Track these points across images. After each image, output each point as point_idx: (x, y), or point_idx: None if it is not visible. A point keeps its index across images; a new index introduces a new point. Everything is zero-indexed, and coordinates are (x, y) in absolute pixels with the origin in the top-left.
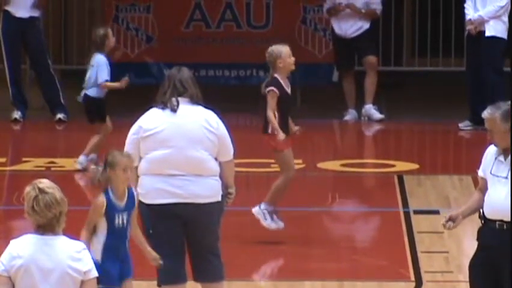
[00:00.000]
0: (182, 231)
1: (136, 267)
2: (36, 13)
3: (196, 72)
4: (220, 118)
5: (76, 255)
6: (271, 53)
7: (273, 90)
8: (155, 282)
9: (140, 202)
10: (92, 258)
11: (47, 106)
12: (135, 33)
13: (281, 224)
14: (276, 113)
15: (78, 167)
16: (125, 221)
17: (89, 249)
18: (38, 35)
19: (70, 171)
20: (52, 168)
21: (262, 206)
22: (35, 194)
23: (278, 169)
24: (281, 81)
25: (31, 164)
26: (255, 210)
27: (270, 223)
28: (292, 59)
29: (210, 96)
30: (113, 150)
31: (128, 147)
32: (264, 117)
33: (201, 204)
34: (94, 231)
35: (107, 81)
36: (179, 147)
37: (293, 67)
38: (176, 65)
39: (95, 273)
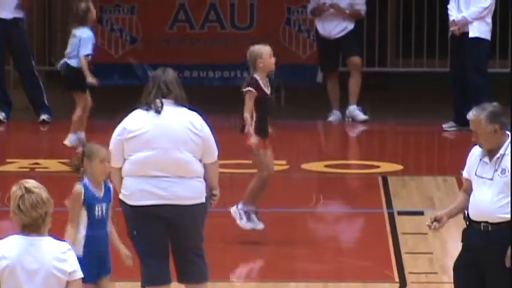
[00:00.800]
0: (166, 232)
1: (120, 269)
2: (20, 14)
3: (180, 74)
4: (205, 119)
5: (61, 256)
6: (251, 52)
7: (250, 90)
8: (139, 284)
9: (124, 203)
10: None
11: (31, 107)
12: (119, 34)
13: (260, 225)
14: (254, 114)
15: (67, 144)
16: (104, 212)
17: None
18: (21, 36)
19: (54, 172)
20: (36, 169)
21: (239, 206)
22: (21, 193)
23: None
24: (260, 81)
25: (15, 165)
26: (232, 209)
27: (245, 223)
28: (273, 59)
29: (194, 98)
30: (91, 143)
31: (112, 148)
32: (242, 117)
33: (185, 206)
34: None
35: (88, 55)
36: (164, 148)
37: (273, 67)
38: (161, 66)
39: (80, 274)
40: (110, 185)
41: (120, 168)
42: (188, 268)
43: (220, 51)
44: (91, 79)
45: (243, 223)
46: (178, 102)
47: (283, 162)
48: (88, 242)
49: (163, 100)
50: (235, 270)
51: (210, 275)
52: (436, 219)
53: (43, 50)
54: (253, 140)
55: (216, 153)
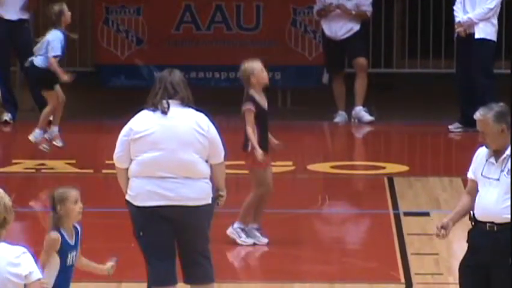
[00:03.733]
0: (172, 233)
1: (127, 270)
2: (25, 15)
3: (186, 74)
4: (211, 120)
5: (15, 260)
6: (244, 70)
7: (249, 108)
8: (145, 285)
9: (130, 204)
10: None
11: (37, 108)
12: (125, 35)
13: (264, 240)
14: (254, 130)
15: (31, 140)
16: (74, 260)
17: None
18: (27, 37)
19: (60, 173)
20: (42, 170)
21: (235, 225)
22: None
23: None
24: (256, 97)
25: (21, 165)
26: (228, 230)
27: (245, 239)
28: (265, 73)
29: (201, 98)
30: (56, 189)
31: (118, 149)
32: (244, 135)
33: (191, 207)
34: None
35: (57, 56)
36: (170, 149)
37: (267, 81)
38: (167, 67)
39: (37, 275)
40: (78, 228)
41: (126, 169)
42: (194, 269)
43: (226, 52)
44: (65, 77)
45: (243, 239)
46: (185, 103)
47: (290, 163)
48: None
49: (170, 101)
50: (241, 271)
51: (216, 276)
52: (443, 227)
53: None
54: (260, 155)
55: (223, 154)
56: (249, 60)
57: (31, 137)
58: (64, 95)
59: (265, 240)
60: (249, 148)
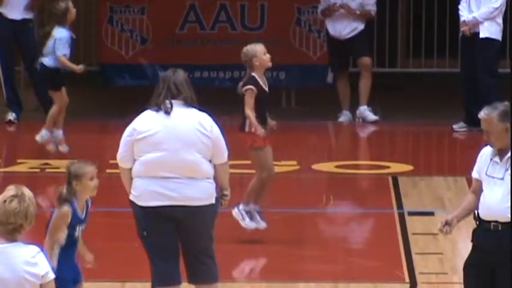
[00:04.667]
0: (176, 233)
1: (131, 269)
2: (29, 15)
3: (190, 74)
4: (215, 120)
5: (32, 260)
6: (246, 53)
7: (251, 88)
8: (149, 284)
9: (134, 204)
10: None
11: (41, 107)
12: (129, 35)
13: (263, 224)
14: (253, 111)
15: (38, 140)
16: (81, 233)
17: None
18: (31, 37)
19: (65, 172)
20: (47, 170)
21: (240, 206)
22: (14, 194)
23: None
24: (258, 79)
25: (26, 165)
26: (234, 211)
27: (248, 223)
28: (268, 56)
29: (205, 98)
30: (73, 161)
31: (122, 149)
32: (242, 116)
33: (194, 207)
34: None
35: (65, 55)
36: (173, 149)
37: (270, 64)
38: (171, 66)
39: (52, 275)
40: (89, 202)
41: (130, 169)
42: (198, 269)
43: (230, 51)
44: (77, 68)
45: (246, 223)
46: (188, 103)
47: (294, 162)
48: (63, 258)
49: (173, 101)
50: (245, 270)
51: (220, 276)
52: (447, 223)
53: None
54: (260, 131)
55: (226, 153)
56: (252, 44)
57: (38, 138)
58: (67, 98)
59: (264, 225)
60: (247, 128)
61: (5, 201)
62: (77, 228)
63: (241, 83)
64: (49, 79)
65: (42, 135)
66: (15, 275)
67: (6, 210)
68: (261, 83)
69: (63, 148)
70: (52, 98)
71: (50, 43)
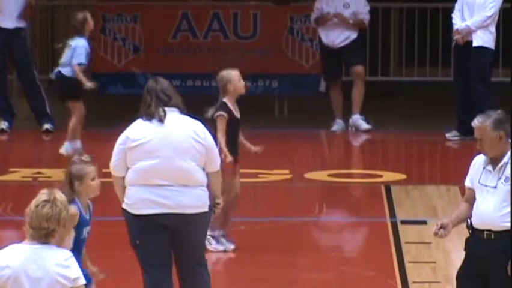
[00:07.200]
0: (169, 242)
1: (123, 278)
2: (22, 24)
3: (183, 83)
4: (207, 128)
5: (65, 262)
6: (221, 77)
7: (222, 114)
8: None
9: (127, 212)
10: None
11: (34, 116)
12: (122, 43)
13: (231, 246)
14: (224, 137)
15: (63, 153)
16: (87, 234)
17: None
18: (23, 46)
19: (57, 181)
20: (39, 179)
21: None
22: (47, 199)
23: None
24: (230, 106)
25: (18, 174)
26: None
27: (215, 246)
28: (242, 82)
29: (197, 107)
30: (75, 162)
31: (115, 157)
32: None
33: (188, 215)
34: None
35: (81, 64)
36: (167, 157)
37: (243, 91)
38: (164, 75)
39: (83, 281)
40: (90, 203)
41: (123, 178)
42: (190, 277)
43: (223, 60)
44: (88, 84)
45: (214, 247)
46: (181, 110)
47: (287, 171)
48: None
49: (166, 109)
50: (238, 279)
51: (212, 285)
52: (443, 226)
53: (46, 60)
54: (229, 159)
55: (219, 162)
56: (227, 69)
57: (62, 150)
58: (84, 108)
59: (231, 246)
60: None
61: (37, 206)
62: (83, 229)
63: (212, 108)
64: (68, 89)
65: (66, 148)
66: (48, 275)
67: (38, 215)
68: (232, 109)
69: (85, 158)
70: (70, 108)
71: (68, 53)
